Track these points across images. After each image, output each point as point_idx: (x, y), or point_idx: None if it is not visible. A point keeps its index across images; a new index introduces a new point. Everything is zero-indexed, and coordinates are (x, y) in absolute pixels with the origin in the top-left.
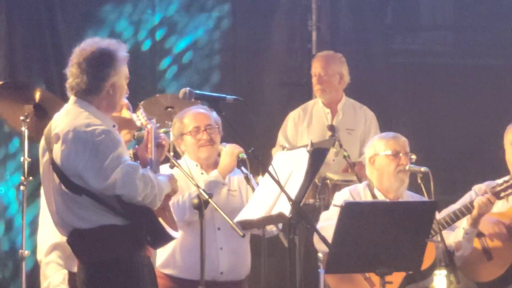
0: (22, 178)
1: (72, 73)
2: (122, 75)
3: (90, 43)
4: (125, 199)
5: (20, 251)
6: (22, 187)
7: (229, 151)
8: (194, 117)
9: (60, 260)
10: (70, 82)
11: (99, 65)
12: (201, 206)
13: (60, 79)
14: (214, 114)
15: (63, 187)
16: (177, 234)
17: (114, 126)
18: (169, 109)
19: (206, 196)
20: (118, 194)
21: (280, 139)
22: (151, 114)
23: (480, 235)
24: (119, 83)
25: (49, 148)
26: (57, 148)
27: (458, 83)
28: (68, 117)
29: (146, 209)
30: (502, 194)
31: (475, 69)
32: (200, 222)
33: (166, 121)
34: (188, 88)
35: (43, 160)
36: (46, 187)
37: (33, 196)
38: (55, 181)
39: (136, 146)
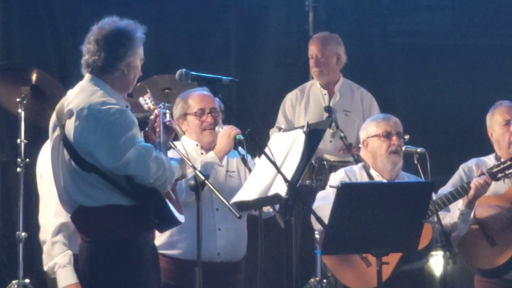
0: (19, 160)
1: (89, 50)
2: (138, 55)
3: (109, 22)
4: (137, 180)
5: (17, 232)
6: (18, 169)
7: (226, 133)
8: (200, 98)
9: (66, 240)
10: (87, 59)
11: (117, 44)
12: (197, 187)
13: (57, 61)
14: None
15: (73, 163)
16: (183, 218)
17: (127, 106)
18: (167, 90)
19: (203, 178)
20: (130, 175)
21: (279, 119)
22: None
23: (482, 221)
24: (134, 64)
25: (61, 124)
26: (70, 124)
27: (455, 63)
28: (82, 94)
29: (155, 191)
30: (499, 175)
31: (473, 49)
32: (197, 204)
33: (163, 102)
34: (184, 69)
35: (53, 135)
36: (55, 163)
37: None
38: (65, 157)
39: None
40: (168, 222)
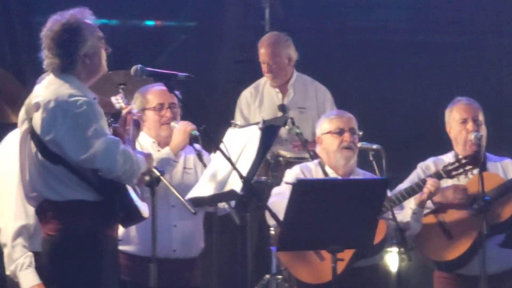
0: None
1: (45, 55)
2: (92, 41)
3: (53, 22)
4: (103, 173)
5: None
6: None
7: (181, 129)
8: (159, 93)
9: (26, 242)
10: (46, 63)
11: (65, 42)
12: (152, 183)
13: (12, 57)
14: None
15: (39, 155)
16: (147, 214)
17: (95, 98)
18: (122, 86)
19: (158, 173)
20: (97, 168)
21: (237, 116)
22: (104, 91)
23: (438, 213)
24: (92, 50)
25: (29, 117)
26: (37, 116)
27: (411, 60)
28: (50, 88)
29: (121, 186)
30: (454, 173)
31: (429, 46)
32: (151, 200)
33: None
34: (139, 65)
35: (22, 129)
36: (22, 156)
37: None
38: (31, 150)
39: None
40: (133, 217)
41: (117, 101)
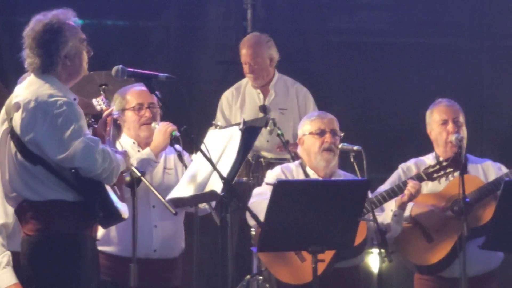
0: None
1: (26, 54)
2: (73, 42)
3: (36, 21)
4: (83, 172)
5: None
6: None
7: (162, 129)
8: (138, 94)
9: (4, 241)
10: (27, 63)
11: (47, 42)
12: (133, 184)
13: None
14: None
15: (19, 155)
16: (126, 214)
17: (75, 99)
18: (103, 86)
19: (139, 174)
20: (76, 167)
21: (218, 117)
22: (86, 91)
23: (418, 220)
24: (73, 52)
25: (9, 117)
26: (17, 116)
27: (393, 62)
28: (30, 88)
29: (100, 186)
30: (435, 176)
31: (410, 47)
32: (132, 200)
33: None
34: (120, 66)
35: (1, 129)
36: (1, 156)
37: None
38: (11, 150)
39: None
40: (112, 218)
41: (98, 103)
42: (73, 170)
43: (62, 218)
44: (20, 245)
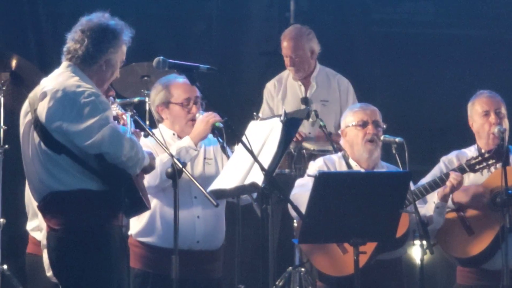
0: None
1: (73, 38)
2: (119, 55)
3: (99, 16)
4: (109, 157)
5: None
6: None
7: (204, 119)
8: (185, 88)
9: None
10: (69, 46)
11: (101, 37)
12: (174, 175)
13: (37, 47)
14: None
15: (43, 145)
16: (150, 205)
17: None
18: (145, 77)
19: (180, 166)
20: (103, 152)
21: (264, 107)
22: (127, 82)
23: (459, 209)
24: (114, 61)
25: (33, 109)
26: (43, 105)
27: (437, 53)
28: (58, 79)
29: (126, 174)
30: (477, 167)
31: (454, 39)
32: (174, 192)
33: (142, 90)
34: (161, 57)
35: (25, 121)
36: (25, 148)
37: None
38: (35, 141)
39: None
40: (137, 206)
41: (114, 108)
42: (98, 158)
43: (88, 210)
44: (46, 240)
